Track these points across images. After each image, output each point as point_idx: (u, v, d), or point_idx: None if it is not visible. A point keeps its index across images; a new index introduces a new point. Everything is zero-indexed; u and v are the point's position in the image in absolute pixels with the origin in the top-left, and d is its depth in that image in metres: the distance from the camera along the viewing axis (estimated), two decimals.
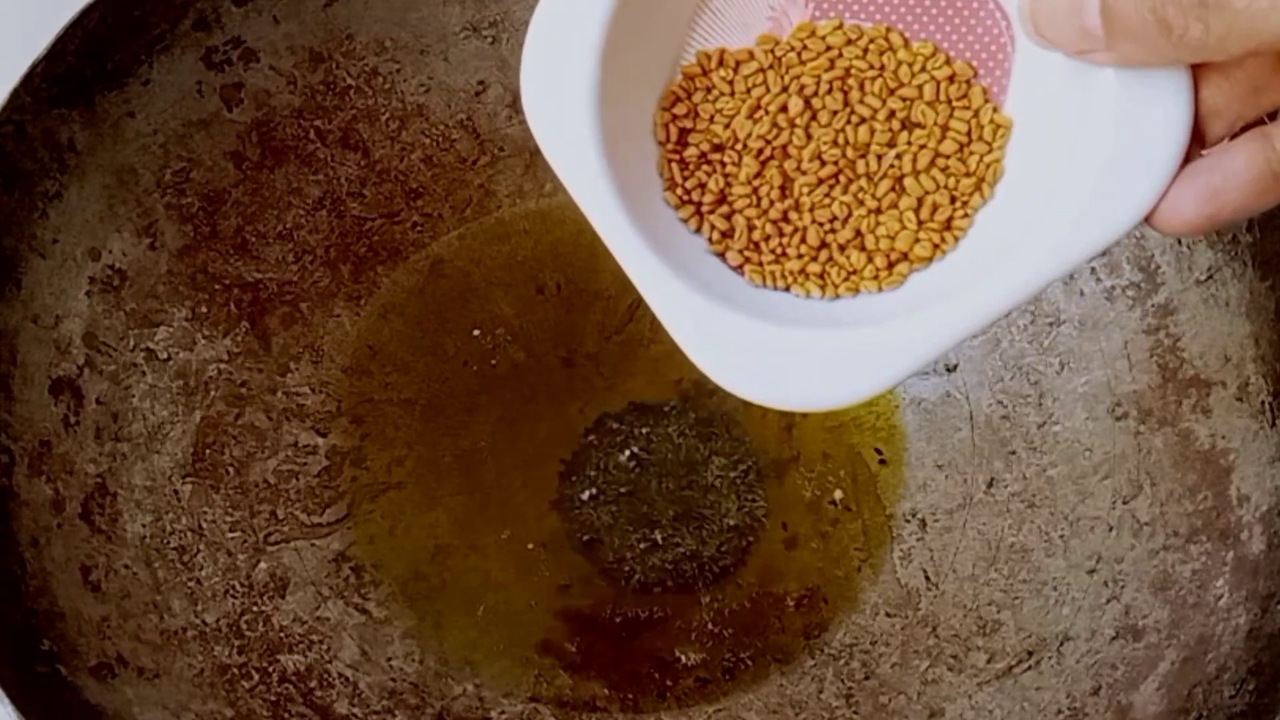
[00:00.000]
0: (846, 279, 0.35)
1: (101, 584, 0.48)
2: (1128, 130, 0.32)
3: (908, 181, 0.35)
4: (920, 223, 0.35)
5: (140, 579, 0.49)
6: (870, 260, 0.35)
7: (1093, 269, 0.53)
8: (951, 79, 0.35)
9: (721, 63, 0.35)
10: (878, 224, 0.35)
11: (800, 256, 0.35)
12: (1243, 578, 0.47)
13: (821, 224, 0.35)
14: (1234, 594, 0.47)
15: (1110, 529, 0.51)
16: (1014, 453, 0.54)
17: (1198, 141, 0.33)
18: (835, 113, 0.35)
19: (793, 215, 0.35)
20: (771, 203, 0.35)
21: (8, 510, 0.47)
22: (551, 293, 0.57)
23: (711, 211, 0.35)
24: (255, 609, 0.51)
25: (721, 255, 0.36)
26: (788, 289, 0.36)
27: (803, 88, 0.35)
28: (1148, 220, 0.33)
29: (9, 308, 0.48)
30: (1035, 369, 0.54)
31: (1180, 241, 0.51)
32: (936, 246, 0.35)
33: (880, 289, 0.35)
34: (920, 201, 0.35)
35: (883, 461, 0.55)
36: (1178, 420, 0.51)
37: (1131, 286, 0.52)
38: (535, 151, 0.57)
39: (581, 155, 0.34)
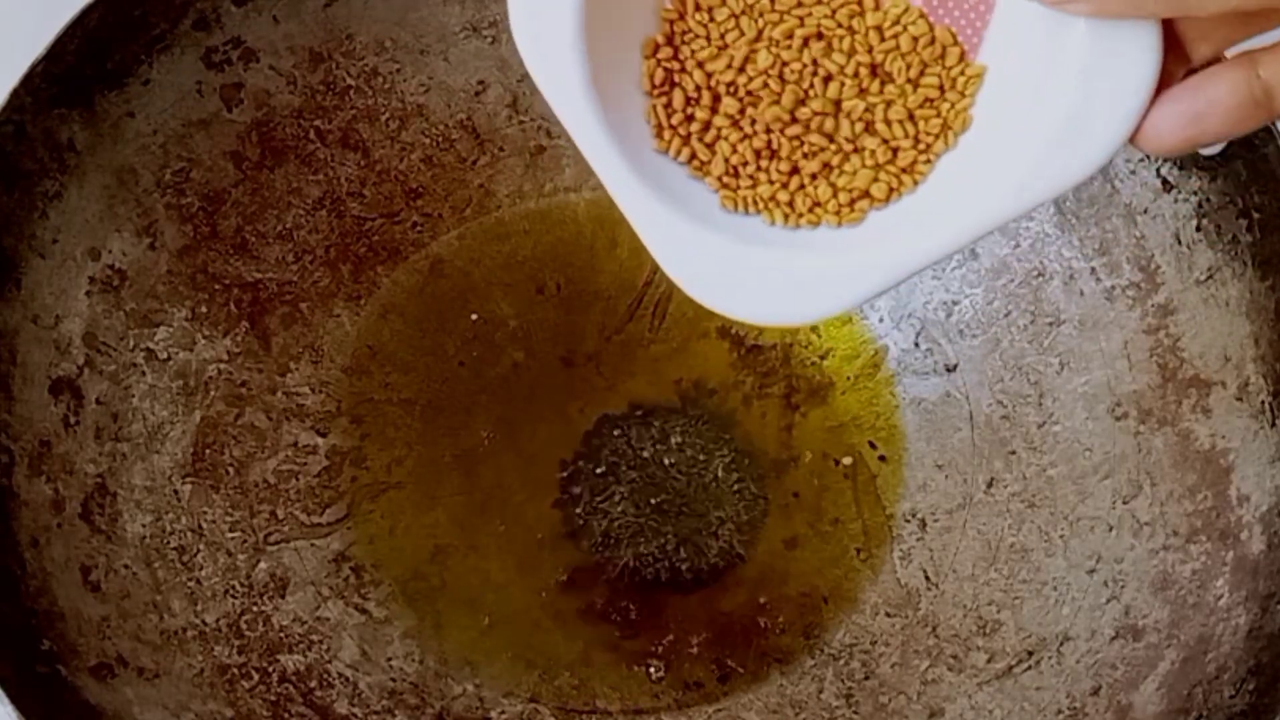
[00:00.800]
0: (810, 210, 0.36)
1: (101, 584, 0.48)
2: (1093, 79, 0.33)
3: (878, 126, 0.36)
4: (880, 164, 0.36)
5: (140, 579, 0.49)
6: (835, 195, 0.36)
7: (1093, 269, 0.53)
8: (931, 39, 0.35)
9: (697, 6, 0.35)
10: (845, 160, 0.36)
11: (772, 183, 0.36)
12: (1243, 578, 0.47)
13: (794, 155, 0.36)
14: (1234, 594, 0.47)
15: (1110, 529, 0.51)
16: (1014, 453, 0.54)
17: (1183, 62, 0.33)
18: (805, 66, 0.35)
19: (770, 144, 0.36)
20: (754, 133, 0.36)
21: (8, 510, 0.47)
22: (551, 293, 0.57)
23: (699, 139, 0.36)
24: (255, 609, 0.51)
25: (700, 179, 0.37)
26: (758, 214, 0.36)
27: (774, 41, 0.35)
28: (1131, 140, 0.33)
29: (9, 308, 0.48)
30: (1035, 369, 0.54)
31: (1180, 241, 0.51)
32: (893, 190, 0.36)
33: (840, 224, 0.36)
34: (885, 142, 0.36)
35: (882, 458, 0.55)
36: (1178, 420, 0.51)
37: (1131, 286, 0.52)
38: (535, 151, 0.57)
39: (568, 79, 0.34)
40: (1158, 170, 0.51)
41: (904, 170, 0.36)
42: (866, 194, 0.36)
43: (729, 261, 0.35)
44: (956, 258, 0.56)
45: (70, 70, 0.48)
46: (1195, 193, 0.50)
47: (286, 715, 0.49)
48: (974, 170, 0.35)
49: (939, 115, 0.36)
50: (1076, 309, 0.53)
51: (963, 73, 0.35)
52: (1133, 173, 0.52)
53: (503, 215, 0.57)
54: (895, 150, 0.36)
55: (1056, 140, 0.33)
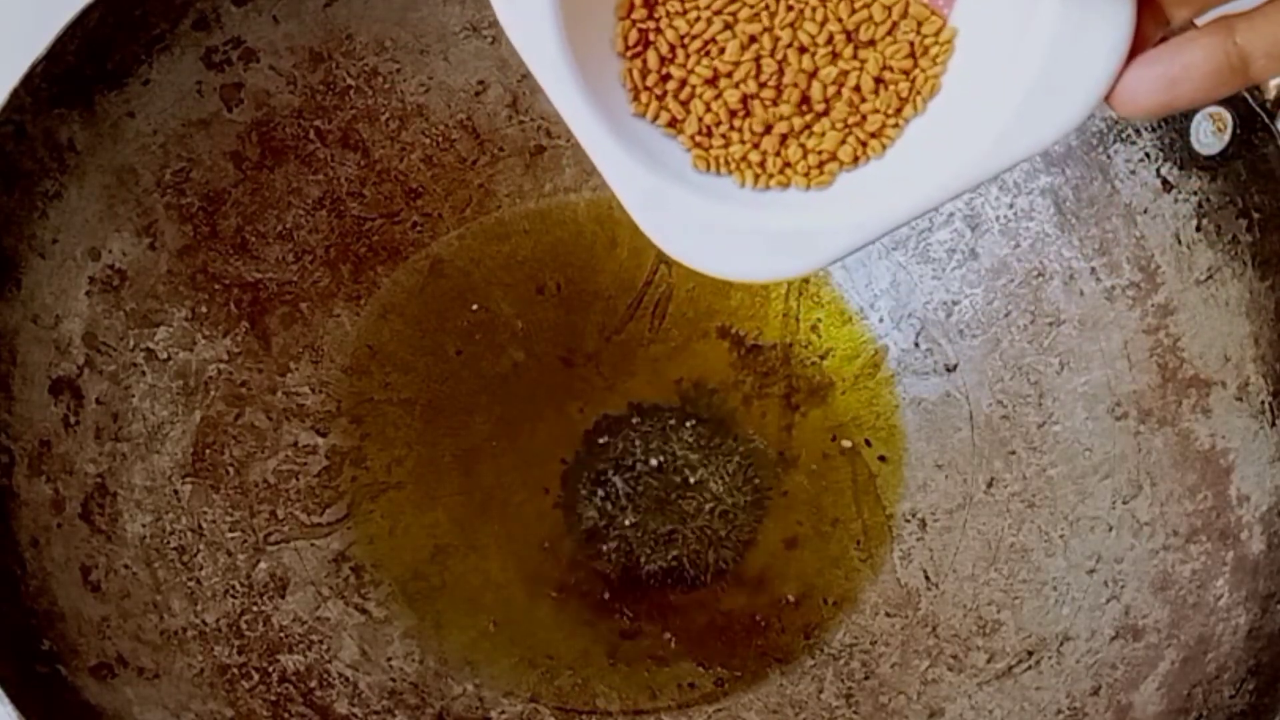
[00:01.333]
0: (781, 170, 0.37)
1: (101, 584, 0.48)
2: (1065, 43, 0.33)
3: (846, 91, 0.36)
4: (849, 127, 0.36)
5: (140, 579, 0.49)
6: (804, 156, 0.37)
7: (1093, 269, 0.53)
8: (905, 9, 0.36)
9: None
10: (815, 121, 0.37)
11: (744, 143, 0.37)
12: (1243, 578, 0.47)
13: (766, 115, 0.37)
14: (1234, 594, 0.47)
15: (1110, 529, 0.51)
16: (1014, 453, 0.54)
17: (1160, 24, 0.33)
18: (778, 40, 0.36)
19: (745, 103, 0.37)
20: (726, 91, 0.36)
21: (8, 510, 0.47)
22: (551, 293, 0.57)
23: (674, 97, 0.37)
24: (255, 609, 0.51)
25: (674, 138, 0.37)
26: (729, 174, 0.37)
27: (747, 5, 0.36)
28: (1106, 102, 0.33)
29: (9, 308, 0.48)
30: (1035, 369, 0.54)
31: (1180, 241, 0.51)
32: (859, 155, 0.36)
33: (809, 186, 0.37)
34: (854, 107, 0.36)
35: (882, 459, 0.55)
36: (1178, 420, 0.51)
37: (1131, 286, 0.52)
38: (535, 151, 0.57)
39: (544, 42, 0.35)
40: (1158, 170, 0.51)
41: (872, 135, 0.36)
42: (835, 156, 0.36)
43: (702, 219, 0.36)
44: (956, 257, 0.56)
45: (70, 70, 0.48)
46: (1195, 193, 0.50)
47: (286, 715, 0.49)
48: (945, 133, 0.36)
49: (910, 81, 0.36)
50: (1076, 309, 0.53)
51: (936, 40, 0.36)
52: (1133, 173, 0.52)
53: (503, 215, 0.57)
54: (864, 115, 0.36)
55: (1029, 102, 0.34)
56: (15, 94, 0.47)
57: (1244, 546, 0.48)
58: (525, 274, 0.57)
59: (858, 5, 0.36)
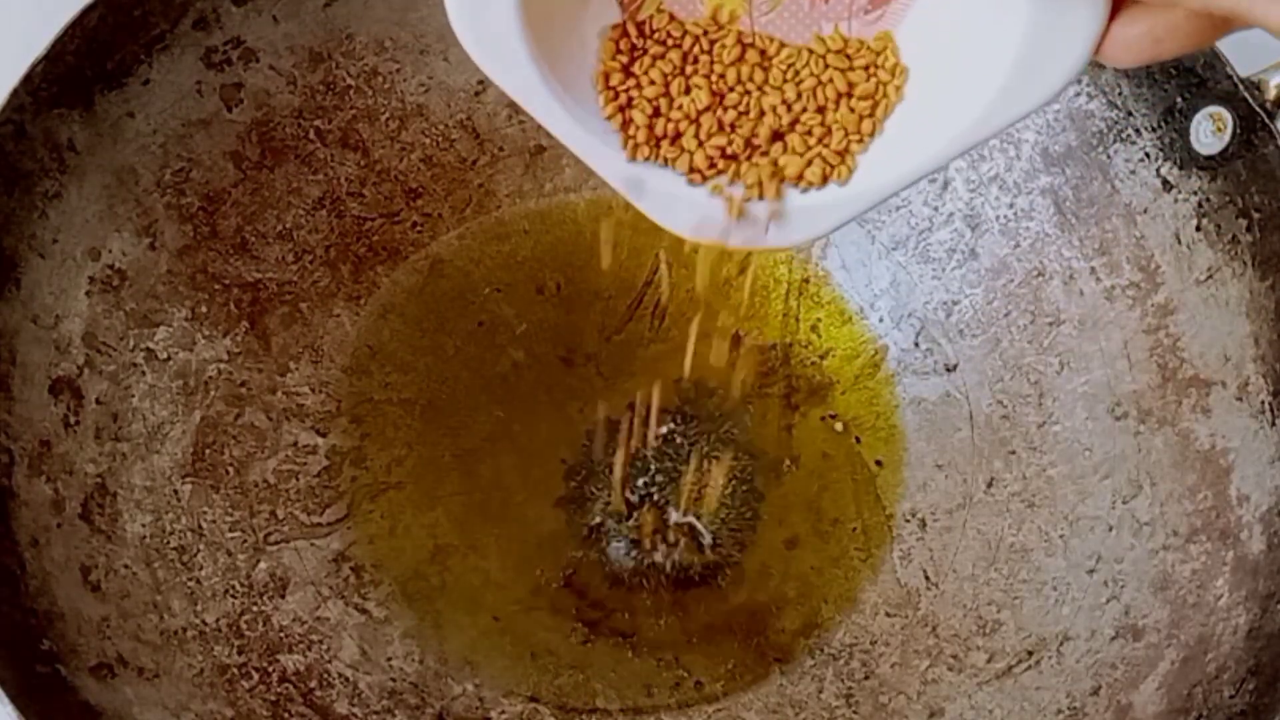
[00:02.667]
0: (771, 177, 0.38)
1: (101, 584, 0.48)
2: (1043, 23, 0.33)
3: (810, 106, 0.37)
4: (828, 129, 0.37)
5: (140, 579, 0.49)
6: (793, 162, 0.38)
7: (1093, 269, 0.53)
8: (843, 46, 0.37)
9: (641, 33, 0.37)
10: (791, 130, 0.38)
11: (734, 170, 0.38)
12: (1243, 578, 0.47)
13: (752, 142, 0.38)
14: (1234, 594, 0.47)
15: (1110, 529, 0.51)
16: (1014, 453, 0.54)
17: None
18: (750, 80, 0.37)
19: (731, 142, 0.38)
20: (714, 134, 0.38)
21: (8, 510, 0.47)
22: (551, 293, 0.57)
23: (668, 142, 0.38)
24: (255, 609, 0.51)
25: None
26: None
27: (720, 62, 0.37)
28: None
29: (9, 308, 0.48)
30: (1035, 369, 0.54)
31: (1180, 241, 0.51)
32: (826, 178, 0.37)
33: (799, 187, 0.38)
34: (831, 111, 0.37)
35: (879, 463, 0.55)
36: (1178, 420, 0.51)
37: (1131, 286, 0.52)
38: (535, 151, 0.57)
39: (540, 97, 0.36)
40: (1158, 170, 0.51)
41: (841, 152, 0.37)
42: (820, 156, 0.37)
43: (700, 200, 0.37)
44: (956, 257, 0.56)
45: (70, 70, 0.48)
46: (1195, 193, 0.50)
47: (286, 715, 0.49)
48: (931, 111, 0.36)
49: (869, 98, 0.37)
50: (1076, 309, 0.53)
51: (886, 60, 0.37)
52: (1133, 173, 0.52)
53: (503, 215, 0.57)
54: (825, 134, 0.37)
55: (1014, 72, 0.34)
56: (15, 94, 0.47)
57: (1244, 546, 0.48)
58: (525, 274, 0.57)
59: (801, 69, 0.37)
